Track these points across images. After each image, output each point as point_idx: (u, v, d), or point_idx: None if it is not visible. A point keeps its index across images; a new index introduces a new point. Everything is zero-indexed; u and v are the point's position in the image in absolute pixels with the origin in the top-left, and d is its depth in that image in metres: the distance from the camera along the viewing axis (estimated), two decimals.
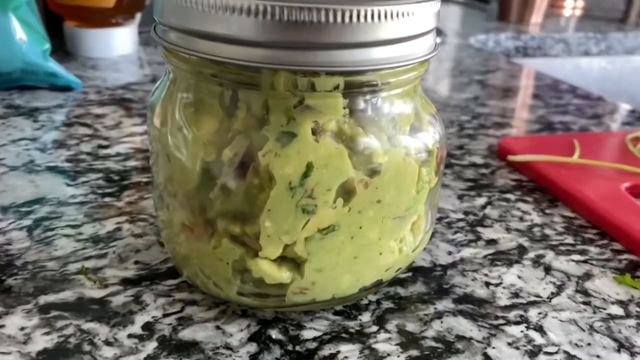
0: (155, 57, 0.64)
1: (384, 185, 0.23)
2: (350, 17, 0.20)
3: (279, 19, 0.20)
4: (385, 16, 0.21)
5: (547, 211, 0.36)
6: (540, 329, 0.26)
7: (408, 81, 0.23)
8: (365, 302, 0.27)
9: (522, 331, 0.25)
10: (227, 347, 0.23)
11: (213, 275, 0.24)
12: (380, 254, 0.25)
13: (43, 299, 0.25)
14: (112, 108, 0.48)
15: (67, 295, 0.26)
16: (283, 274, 0.24)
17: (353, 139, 0.22)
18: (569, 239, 0.33)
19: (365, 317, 0.26)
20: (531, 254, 0.31)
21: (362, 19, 0.21)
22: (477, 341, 0.25)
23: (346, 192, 0.23)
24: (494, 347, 0.24)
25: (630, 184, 0.38)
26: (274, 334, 0.24)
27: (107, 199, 0.34)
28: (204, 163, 0.23)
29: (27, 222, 0.31)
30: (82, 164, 0.38)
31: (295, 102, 0.22)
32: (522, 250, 0.31)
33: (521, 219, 0.35)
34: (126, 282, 0.27)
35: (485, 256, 0.31)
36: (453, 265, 0.30)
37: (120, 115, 0.47)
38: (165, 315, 0.25)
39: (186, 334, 0.24)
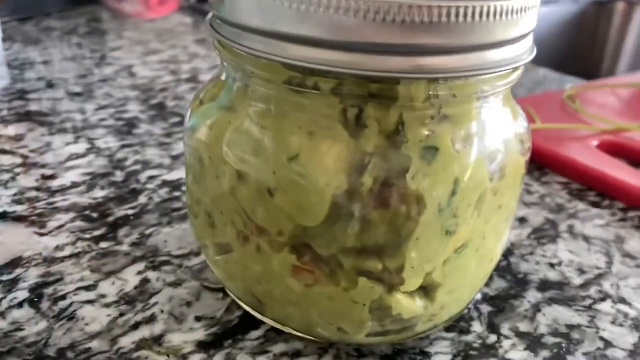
0: (31, 55, 0.53)
1: (506, 188, 0.22)
2: (495, 13, 0.18)
3: (421, 21, 0.17)
4: (520, 10, 0.19)
5: (544, 180, 0.37)
6: (623, 301, 0.26)
7: (518, 76, 0.22)
8: (465, 311, 0.25)
9: (611, 306, 0.26)
10: None
11: (339, 320, 0.21)
12: (491, 260, 0.23)
13: None
14: (26, 125, 0.39)
15: None
16: (418, 305, 0.21)
17: (481, 144, 0.20)
18: (580, 205, 0.34)
19: (476, 326, 0.24)
20: (562, 226, 0.32)
21: (504, 16, 0.18)
22: (586, 326, 0.25)
23: (477, 203, 0.21)
24: (603, 329, 0.25)
25: (599, 141, 0.40)
26: None
27: (103, 245, 0.28)
28: (334, 196, 0.19)
29: (21, 294, 0.24)
30: (38, 204, 0.30)
31: (433, 113, 0.19)
32: (552, 223, 0.32)
33: (528, 192, 0.35)
34: (204, 346, 0.22)
35: (528, 236, 0.31)
36: (509, 252, 0.29)
37: (42, 134, 0.38)
38: None
39: None
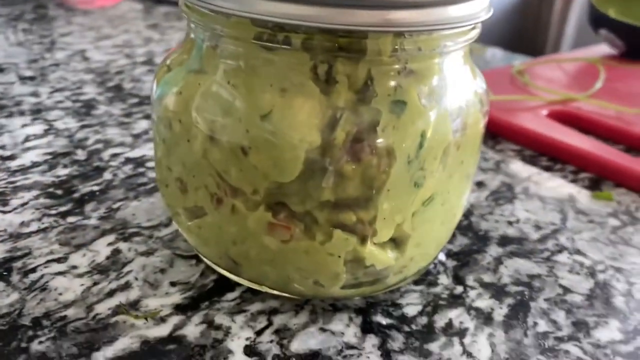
0: None
1: (467, 144, 0.23)
2: None
3: None
4: None
5: (498, 147, 0.39)
6: (579, 252, 0.28)
7: (476, 34, 0.23)
8: (431, 266, 0.26)
9: (568, 257, 0.28)
10: (350, 346, 0.21)
11: (315, 273, 0.22)
12: (455, 215, 0.24)
13: (102, 357, 0.20)
14: None
15: (127, 343, 0.21)
16: (390, 256, 0.22)
17: (444, 100, 0.21)
18: (534, 170, 0.36)
19: (443, 279, 0.25)
20: (518, 189, 0.33)
21: None
22: (546, 276, 0.26)
23: (442, 157, 0.22)
24: (562, 278, 0.26)
25: (548, 111, 0.42)
26: (381, 319, 0.23)
27: (71, 219, 0.27)
28: (307, 151, 0.19)
29: None
30: None
31: (399, 68, 0.20)
32: (508, 186, 0.34)
33: (484, 159, 0.37)
34: (182, 309, 0.22)
35: (486, 198, 0.32)
36: (470, 212, 0.31)
37: None
38: (258, 333, 0.22)
39: (298, 346, 0.21)
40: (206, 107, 0.21)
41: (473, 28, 0.21)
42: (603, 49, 0.60)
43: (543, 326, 0.23)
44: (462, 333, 0.22)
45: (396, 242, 0.22)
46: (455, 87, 0.22)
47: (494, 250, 0.28)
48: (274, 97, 0.20)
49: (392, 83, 0.20)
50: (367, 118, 0.20)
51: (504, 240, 0.28)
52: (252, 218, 0.21)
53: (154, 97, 0.23)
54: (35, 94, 0.41)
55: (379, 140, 0.20)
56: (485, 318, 0.23)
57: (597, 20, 0.57)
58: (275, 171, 0.20)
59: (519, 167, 0.36)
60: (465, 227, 0.29)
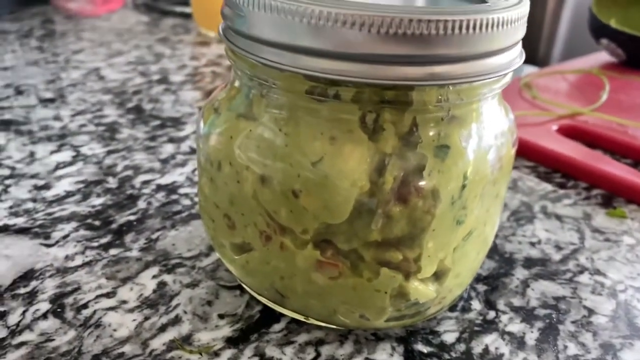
0: None
1: (502, 178, 0.24)
2: (497, 24, 0.20)
3: (435, 33, 0.19)
4: (516, 20, 0.21)
5: (514, 165, 0.40)
6: (599, 272, 0.29)
7: (510, 77, 0.24)
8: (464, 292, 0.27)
9: (589, 278, 0.29)
10: None
11: (362, 308, 0.23)
12: (488, 244, 0.26)
13: None
14: (2, 136, 0.39)
15: None
16: (431, 289, 0.23)
17: (483, 140, 0.22)
18: (549, 187, 0.37)
19: (476, 304, 0.27)
20: (536, 207, 0.35)
21: (503, 26, 0.20)
22: (570, 297, 0.27)
23: (481, 194, 0.23)
24: (585, 299, 0.27)
25: (558, 126, 0.44)
26: (422, 347, 0.24)
27: (113, 252, 0.28)
28: (357, 195, 0.21)
29: (43, 305, 0.25)
30: (37, 216, 0.31)
31: (443, 115, 0.21)
32: (527, 205, 0.35)
33: None
34: (233, 342, 0.24)
35: (508, 219, 0.33)
36: (495, 235, 0.32)
37: (24, 144, 0.38)
38: None
39: None
40: (257, 152, 0.22)
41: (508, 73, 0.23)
42: (603, 56, 0.61)
43: (573, 349, 0.24)
44: (498, 358, 0.24)
45: (437, 276, 0.23)
46: (492, 127, 0.23)
47: (520, 273, 0.29)
48: (325, 145, 0.21)
49: (436, 129, 0.21)
50: (413, 163, 0.21)
51: (528, 262, 0.30)
52: (300, 256, 0.22)
53: (200, 134, 0.24)
54: (58, 118, 0.42)
55: (425, 183, 0.21)
56: (519, 343, 0.24)
57: (598, 30, 0.59)
58: (326, 213, 0.21)
59: (534, 185, 0.37)
60: (492, 249, 0.31)
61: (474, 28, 0.19)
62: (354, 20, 0.18)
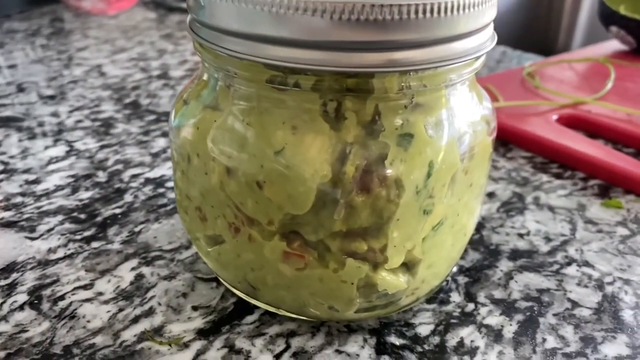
0: (8, 59, 0.53)
1: (475, 167, 0.23)
2: (459, 8, 0.20)
3: (392, 18, 0.19)
4: (482, 3, 0.21)
5: (509, 155, 0.39)
6: (587, 264, 0.29)
7: (481, 63, 0.23)
8: (444, 283, 0.27)
9: (577, 270, 0.28)
10: None
11: (330, 299, 0.23)
12: (465, 234, 0.25)
13: None
14: (1, 131, 0.40)
15: None
16: (401, 280, 0.23)
17: (451, 128, 0.22)
18: (544, 177, 0.36)
19: (455, 297, 0.26)
20: (529, 199, 0.34)
21: (467, 9, 0.20)
22: (555, 290, 0.27)
23: (450, 183, 0.23)
24: (570, 291, 0.27)
25: (558, 115, 0.42)
26: (395, 339, 0.24)
27: (95, 244, 0.29)
28: (319, 185, 0.20)
29: (21, 297, 0.25)
30: (25, 209, 0.31)
31: (406, 103, 0.21)
32: (519, 196, 0.34)
33: (495, 167, 0.37)
34: (204, 334, 0.23)
35: (498, 210, 0.33)
36: (481, 226, 0.31)
37: (20, 139, 0.39)
38: (277, 357, 0.23)
39: None
40: (222, 142, 0.22)
41: (478, 58, 0.22)
42: (613, 45, 0.60)
43: (551, 342, 0.24)
44: (473, 352, 0.23)
45: (408, 266, 0.23)
46: (462, 115, 0.22)
47: (504, 265, 0.28)
48: (286, 135, 0.20)
49: (399, 117, 0.21)
50: (375, 152, 0.20)
51: (514, 254, 0.29)
52: (268, 247, 0.22)
53: (171, 126, 0.24)
54: (55, 114, 0.42)
55: (388, 172, 0.20)
56: (496, 335, 0.24)
57: (608, 17, 0.57)
58: (289, 204, 0.21)
59: (529, 175, 0.37)
60: (476, 241, 0.30)
61: (432, 12, 0.19)
62: (310, 7, 0.18)
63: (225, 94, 0.22)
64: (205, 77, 0.23)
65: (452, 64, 0.20)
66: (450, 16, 0.19)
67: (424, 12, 0.18)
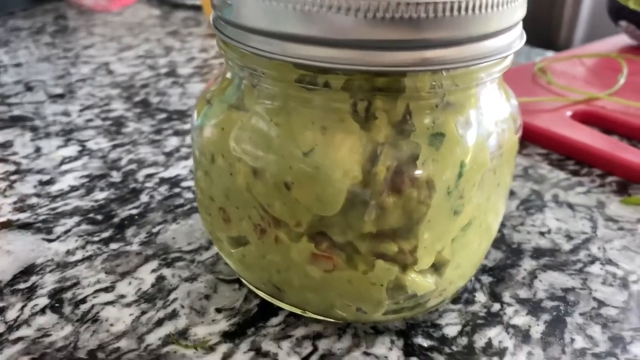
0: (2, 58, 0.53)
1: (503, 166, 0.23)
2: (491, 5, 0.19)
3: (425, 17, 0.18)
4: (513, 0, 0.20)
5: (525, 152, 0.39)
6: (611, 262, 0.28)
7: (510, 61, 0.23)
8: (468, 283, 0.27)
9: (600, 268, 0.28)
10: None
11: (358, 301, 0.22)
12: (491, 234, 0.25)
13: None
14: (12, 131, 0.39)
15: None
16: (430, 282, 0.23)
17: (481, 127, 0.22)
18: (562, 174, 0.36)
19: (480, 297, 0.26)
20: (547, 196, 0.34)
21: (499, 7, 0.19)
22: (580, 289, 0.27)
23: (480, 183, 0.22)
24: (595, 290, 0.26)
25: (572, 111, 0.42)
26: (422, 341, 0.23)
27: (113, 246, 0.28)
28: (350, 186, 0.20)
29: (41, 300, 0.25)
30: (40, 210, 0.31)
31: (437, 102, 0.20)
32: (538, 194, 0.34)
33: None
34: (229, 337, 0.23)
35: (517, 207, 0.33)
36: (502, 224, 0.31)
37: (31, 139, 0.38)
38: (305, 359, 0.22)
39: None
40: (248, 143, 0.21)
41: (508, 56, 0.22)
42: (622, 39, 0.59)
43: (580, 342, 0.23)
44: (501, 352, 0.23)
45: (436, 268, 0.23)
46: (491, 113, 0.22)
47: (528, 264, 0.28)
48: (316, 135, 0.20)
49: (430, 117, 0.20)
50: (406, 152, 0.20)
51: (537, 253, 0.29)
52: (295, 249, 0.22)
53: (194, 126, 0.24)
54: (65, 113, 0.42)
55: (419, 173, 0.20)
56: (524, 336, 0.24)
57: (617, 12, 0.57)
58: (318, 205, 0.21)
59: (546, 173, 0.36)
60: (498, 240, 0.30)
61: (466, 10, 0.18)
62: (342, 5, 0.18)
63: (250, 94, 0.22)
64: (229, 76, 0.23)
65: (484, 62, 0.20)
66: (484, 13, 0.19)
67: (459, 9, 0.18)
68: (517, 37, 0.21)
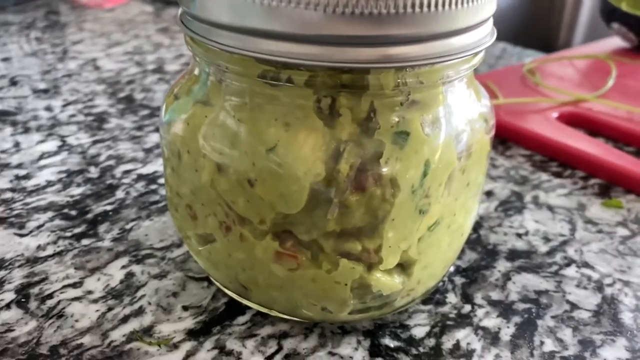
0: None
1: (473, 166, 0.23)
2: (457, 2, 0.19)
3: (388, 12, 0.18)
4: None
5: (508, 153, 0.39)
6: (587, 265, 0.28)
7: (480, 59, 0.23)
8: (440, 283, 0.26)
9: (576, 271, 0.28)
10: None
11: (323, 300, 0.22)
12: (462, 234, 0.25)
13: None
14: None
15: None
16: (396, 281, 0.22)
17: (449, 126, 0.21)
18: (544, 176, 0.36)
19: (451, 298, 0.26)
20: (528, 197, 0.33)
21: (466, 4, 0.19)
22: (554, 291, 0.26)
23: (447, 183, 0.22)
24: (569, 293, 0.26)
25: (558, 113, 0.42)
26: (389, 342, 0.23)
27: (85, 242, 0.28)
28: (312, 183, 0.20)
29: (8, 295, 0.25)
30: (14, 205, 0.31)
31: (402, 100, 0.20)
32: (518, 195, 0.34)
33: (494, 166, 0.37)
34: (194, 334, 0.23)
35: (496, 209, 0.32)
36: (479, 225, 0.31)
37: (11, 134, 0.38)
38: (269, 358, 0.22)
39: None
40: (213, 139, 0.21)
41: (477, 54, 0.21)
42: (615, 42, 0.59)
43: (549, 345, 0.23)
44: (469, 354, 0.23)
45: (403, 267, 0.22)
46: (459, 113, 0.22)
47: (502, 266, 0.28)
48: (279, 132, 0.20)
49: (395, 115, 0.20)
50: (370, 150, 0.20)
51: (512, 255, 0.29)
52: (259, 246, 0.22)
53: (162, 121, 0.23)
54: (49, 108, 0.42)
55: (383, 171, 0.20)
56: (493, 338, 0.23)
57: (609, 14, 0.56)
58: (281, 202, 0.20)
59: (528, 174, 0.36)
60: (474, 240, 0.29)
61: (429, 6, 0.18)
62: (304, 0, 0.18)
63: (216, 89, 0.21)
64: (196, 71, 0.23)
65: (450, 60, 0.20)
66: (448, 10, 0.18)
67: (421, 6, 0.18)
68: (486, 35, 0.21)
